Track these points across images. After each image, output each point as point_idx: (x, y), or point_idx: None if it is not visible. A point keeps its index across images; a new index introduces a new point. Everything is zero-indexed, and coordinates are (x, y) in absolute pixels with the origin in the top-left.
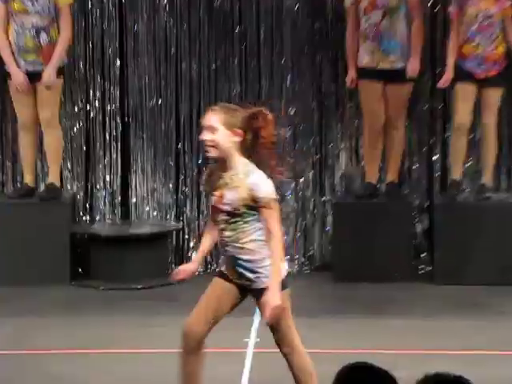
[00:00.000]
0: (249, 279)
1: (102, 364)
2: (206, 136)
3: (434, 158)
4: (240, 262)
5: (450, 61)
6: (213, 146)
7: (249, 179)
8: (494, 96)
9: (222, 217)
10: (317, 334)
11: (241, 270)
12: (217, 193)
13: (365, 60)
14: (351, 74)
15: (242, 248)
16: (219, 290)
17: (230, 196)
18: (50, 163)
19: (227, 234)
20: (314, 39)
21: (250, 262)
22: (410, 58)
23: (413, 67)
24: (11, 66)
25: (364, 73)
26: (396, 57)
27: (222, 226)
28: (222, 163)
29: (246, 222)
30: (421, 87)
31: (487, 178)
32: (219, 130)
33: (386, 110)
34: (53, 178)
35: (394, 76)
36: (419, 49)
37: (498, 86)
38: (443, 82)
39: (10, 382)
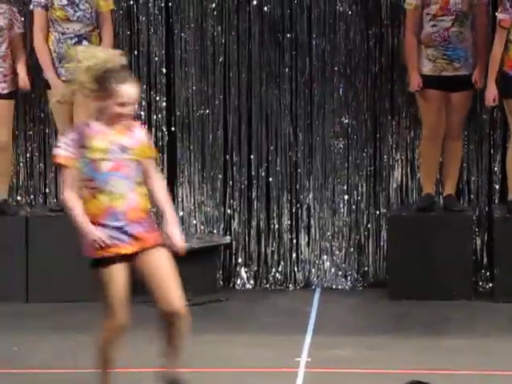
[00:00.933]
0: None
1: (150, 383)
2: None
3: (495, 169)
4: None
5: (494, 75)
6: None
7: None
8: None
9: None
10: (373, 353)
11: None
12: None
13: (426, 67)
14: (416, 77)
15: None
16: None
17: None
18: None
19: None
20: (368, 45)
21: None
22: (479, 70)
23: (492, 94)
24: (50, 75)
25: (425, 81)
26: (460, 64)
27: None
28: None
29: None
30: (480, 95)
31: None
32: None
33: (446, 119)
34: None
35: (458, 83)
36: (486, 59)
37: None
38: (491, 101)
39: None
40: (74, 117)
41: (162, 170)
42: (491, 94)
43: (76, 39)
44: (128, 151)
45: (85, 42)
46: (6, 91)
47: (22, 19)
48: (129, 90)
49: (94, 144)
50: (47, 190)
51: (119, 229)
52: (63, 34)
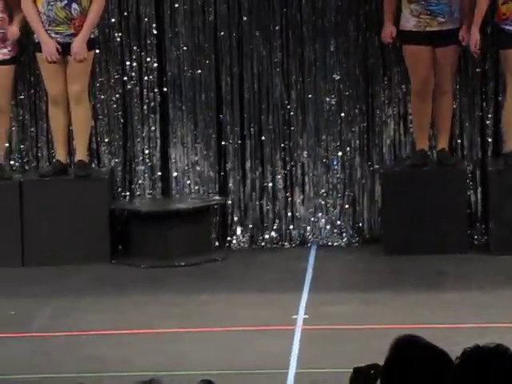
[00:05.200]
0: None
1: (146, 344)
2: None
3: (487, 122)
4: None
5: (478, 21)
6: None
7: None
8: None
9: None
10: (370, 309)
11: None
12: None
13: (410, 23)
14: (388, 28)
15: None
16: None
17: None
18: (77, 140)
19: None
20: (358, 2)
21: None
22: (471, 26)
23: (474, 39)
24: (42, 35)
25: (410, 37)
26: (444, 18)
27: None
28: None
29: None
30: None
31: None
32: None
33: (434, 74)
34: (80, 155)
35: (443, 38)
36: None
37: None
38: (475, 46)
39: (52, 365)
40: (69, 82)
41: (155, 130)
42: (475, 41)
43: (65, 1)
44: None
45: (74, 5)
46: (7, 57)
47: None
48: None
49: None
50: (39, 155)
51: None
52: None
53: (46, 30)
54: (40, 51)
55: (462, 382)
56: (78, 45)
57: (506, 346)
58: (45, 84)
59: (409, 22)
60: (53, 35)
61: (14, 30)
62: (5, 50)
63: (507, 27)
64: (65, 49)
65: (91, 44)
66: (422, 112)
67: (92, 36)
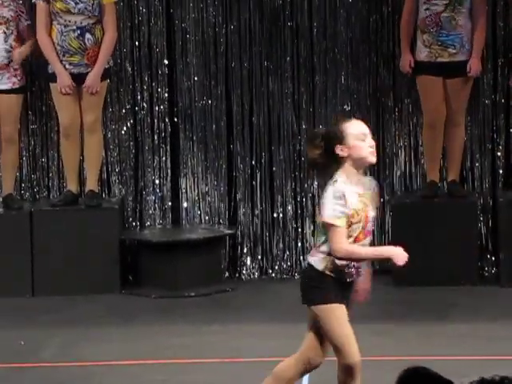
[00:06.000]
0: None
1: (156, 374)
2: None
3: (498, 154)
4: None
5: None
6: None
7: None
8: None
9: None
10: (380, 340)
11: None
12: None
13: (423, 54)
14: (406, 58)
15: None
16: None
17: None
18: (88, 170)
19: None
20: (369, 33)
21: None
22: (472, 57)
23: (475, 67)
24: (57, 66)
25: (422, 67)
26: (455, 50)
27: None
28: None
29: None
30: (482, 81)
31: None
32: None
33: (446, 105)
34: (91, 185)
35: (454, 69)
36: (481, 48)
37: None
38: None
39: None
40: (83, 112)
41: (166, 161)
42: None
43: (79, 31)
44: None
45: (88, 35)
46: (16, 86)
47: (24, 11)
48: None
49: None
50: (50, 184)
51: None
52: (65, 26)
53: (61, 61)
54: (54, 82)
55: None
56: (93, 78)
57: (511, 378)
58: (58, 115)
59: (421, 53)
60: (67, 66)
61: (21, 50)
62: (14, 79)
63: None
64: (78, 79)
65: (105, 74)
66: (433, 143)
67: (106, 66)
